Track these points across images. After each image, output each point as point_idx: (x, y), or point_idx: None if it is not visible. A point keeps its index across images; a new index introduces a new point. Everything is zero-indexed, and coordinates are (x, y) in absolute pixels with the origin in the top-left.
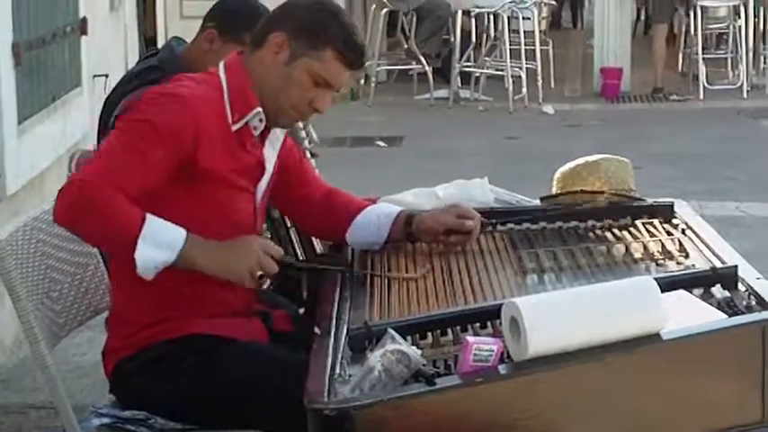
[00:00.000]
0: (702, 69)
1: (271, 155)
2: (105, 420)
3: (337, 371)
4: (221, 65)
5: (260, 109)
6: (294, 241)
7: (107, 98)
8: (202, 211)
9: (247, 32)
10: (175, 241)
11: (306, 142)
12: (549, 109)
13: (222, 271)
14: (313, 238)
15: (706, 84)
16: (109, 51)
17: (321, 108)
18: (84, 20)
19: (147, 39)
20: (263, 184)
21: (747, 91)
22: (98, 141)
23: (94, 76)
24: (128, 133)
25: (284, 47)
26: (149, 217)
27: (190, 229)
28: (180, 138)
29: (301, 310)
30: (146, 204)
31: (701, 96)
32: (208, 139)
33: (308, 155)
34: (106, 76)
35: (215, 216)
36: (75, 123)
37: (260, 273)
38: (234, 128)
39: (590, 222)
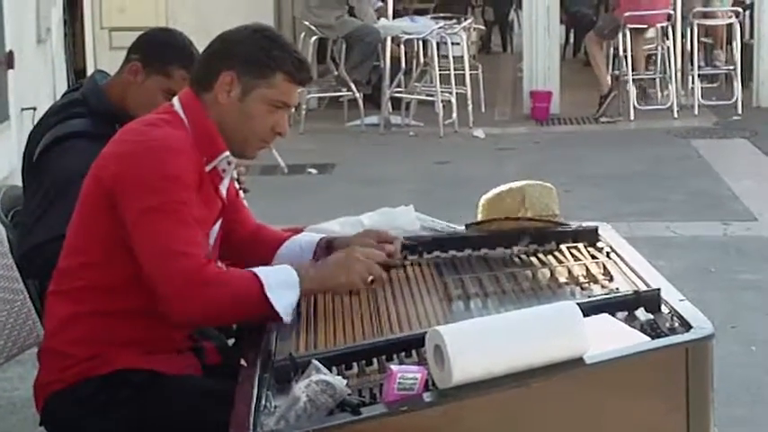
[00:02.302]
0: (632, 90)
1: (223, 195)
2: None
3: (263, 402)
4: (177, 103)
5: (228, 153)
6: None
7: (31, 132)
8: None
9: (172, 65)
10: (292, 277)
11: (235, 173)
12: (479, 133)
13: (337, 287)
14: None
15: (636, 105)
16: (37, 84)
17: (283, 131)
18: (11, 53)
19: (77, 71)
20: (216, 226)
21: (677, 111)
22: (23, 175)
23: (22, 109)
24: (173, 210)
25: (234, 84)
26: (257, 270)
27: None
28: (194, 190)
29: (231, 341)
30: (106, 253)
31: (632, 117)
32: (198, 185)
33: (237, 186)
34: (34, 109)
35: None
36: (2, 157)
37: (371, 278)
38: (207, 169)
39: (515, 248)
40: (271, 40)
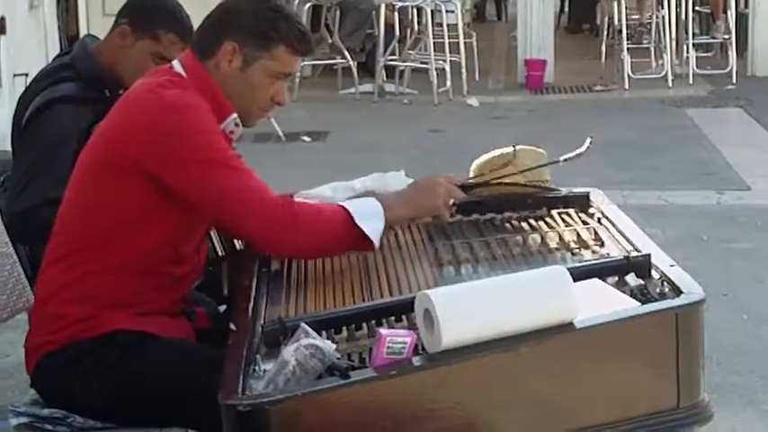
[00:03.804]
0: (627, 59)
1: None
2: (23, 420)
3: (252, 366)
4: (179, 67)
5: (236, 115)
6: (213, 238)
7: (20, 97)
8: (186, 218)
9: (161, 29)
10: (377, 206)
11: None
12: (473, 101)
13: (423, 211)
14: None
15: (631, 73)
16: (29, 50)
17: (283, 100)
18: (2, 19)
19: (70, 37)
20: None
21: (672, 80)
22: (12, 140)
23: (14, 75)
24: (226, 158)
25: (236, 54)
26: (342, 203)
27: (163, 234)
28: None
29: (222, 308)
30: (110, 216)
31: (626, 86)
32: None
33: None
34: (26, 75)
35: (192, 221)
36: None
37: (452, 201)
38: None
39: (506, 213)
40: (274, 11)
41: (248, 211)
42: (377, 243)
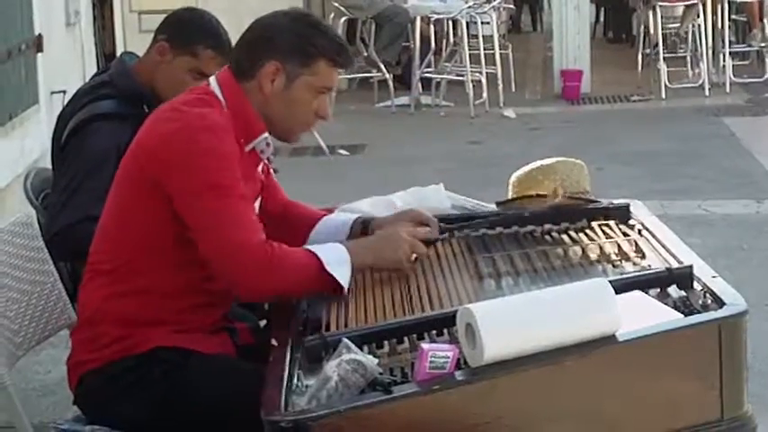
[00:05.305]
0: (663, 69)
1: (260, 175)
2: None
3: (294, 382)
4: (214, 84)
5: (267, 134)
6: None
7: (60, 114)
8: None
9: (199, 44)
10: (344, 254)
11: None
12: (510, 113)
13: (385, 263)
14: None
15: (667, 83)
16: (66, 67)
17: (326, 114)
18: (40, 37)
19: (107, 54)
20: (256, 204)
21: (708, 89)
22: (52, 158)
23: (52, 92)
24: (225, 188)
25: (279, 73)
26: (312, 248)
27: (193, 252)
28: (238, 168)
29: (263, 323)
30: (145, 235)
31: (663, 96)
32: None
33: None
34: (64, 92)
35: None
36: (33, 141)
37: (414, 256)
38: (246, 149)
39: (546, 226)
40: (312, 27)
41: (228, 267)
42: (346, 286)
